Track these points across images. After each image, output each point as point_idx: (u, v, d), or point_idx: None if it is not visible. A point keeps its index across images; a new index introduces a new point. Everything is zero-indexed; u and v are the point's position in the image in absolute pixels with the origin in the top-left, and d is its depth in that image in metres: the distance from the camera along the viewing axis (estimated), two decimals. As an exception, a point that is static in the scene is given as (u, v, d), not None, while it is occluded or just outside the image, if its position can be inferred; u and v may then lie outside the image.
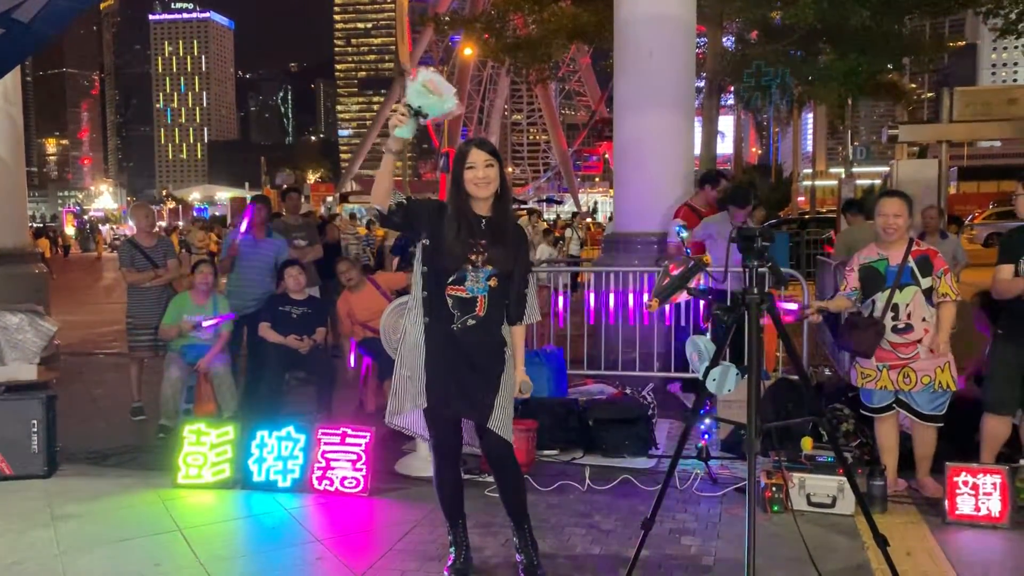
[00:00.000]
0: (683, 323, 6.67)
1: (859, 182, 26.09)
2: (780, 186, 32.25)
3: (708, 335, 5.43)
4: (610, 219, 14.57)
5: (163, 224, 49.55)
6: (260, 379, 6.82)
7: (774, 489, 4.37)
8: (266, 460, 4.90)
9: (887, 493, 4.37)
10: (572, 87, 76.39)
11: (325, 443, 4.83)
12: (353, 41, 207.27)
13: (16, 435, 5.10)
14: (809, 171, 35.52)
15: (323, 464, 4.81)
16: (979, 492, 4.12)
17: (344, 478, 4.77)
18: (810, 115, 40.78)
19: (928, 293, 4.46)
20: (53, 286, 10.16)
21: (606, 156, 72.38)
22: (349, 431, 4.82)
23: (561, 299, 7.16)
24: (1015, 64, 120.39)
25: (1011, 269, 4.46)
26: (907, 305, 4.47)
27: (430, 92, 3.17)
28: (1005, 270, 4.48)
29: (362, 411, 6.66)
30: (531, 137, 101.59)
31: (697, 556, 3.86)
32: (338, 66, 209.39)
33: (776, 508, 4.35)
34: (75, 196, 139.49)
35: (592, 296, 7.29)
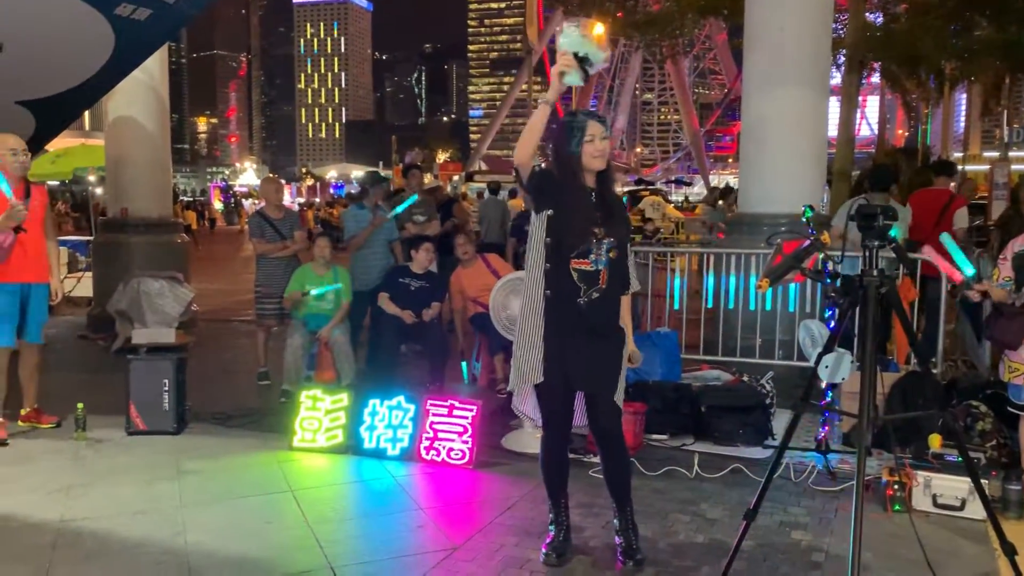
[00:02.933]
0: (808, 309, 6.37)
1: (1015, 167, 24.19)
2: (926, 170, 30.27)
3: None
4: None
5: (301, 200, 51.70)
6: (379, 348, 7.00)
7: (896, 487, 4.11)
8: (377, 428, 5.01)
9: (1025, 498, 4.03)
10: (707, 65, 74.43)
11: (433, 414, 4.89)
12: (486, 21, 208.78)
13: (150, 393, 5.41)
14: (960, 155, 33.30)
15: (431, 435, 4.87)
16: None
17: (451, 449, 4.82)
18: (964, 95, 38.13)
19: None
20: (197, 256, 10.76)
21: (739, 135, 70.46)
22: (457, 403, 4.86)
23: (679, 280, 6.97)
24: None
25: None
26: (1063, 294, 4.09)
27: (591, 40, 3.09)
28: None
29: (474, 385, 6.72)
30: (662, 117, 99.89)
31: (807, 551, 3.68)
32: (471, 47, 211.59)
33: (897, 507, 4.09)
34: (222, 172, 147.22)
35: (712, 279, 7.08)
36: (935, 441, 4.31)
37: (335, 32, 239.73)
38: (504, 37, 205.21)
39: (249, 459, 4.96)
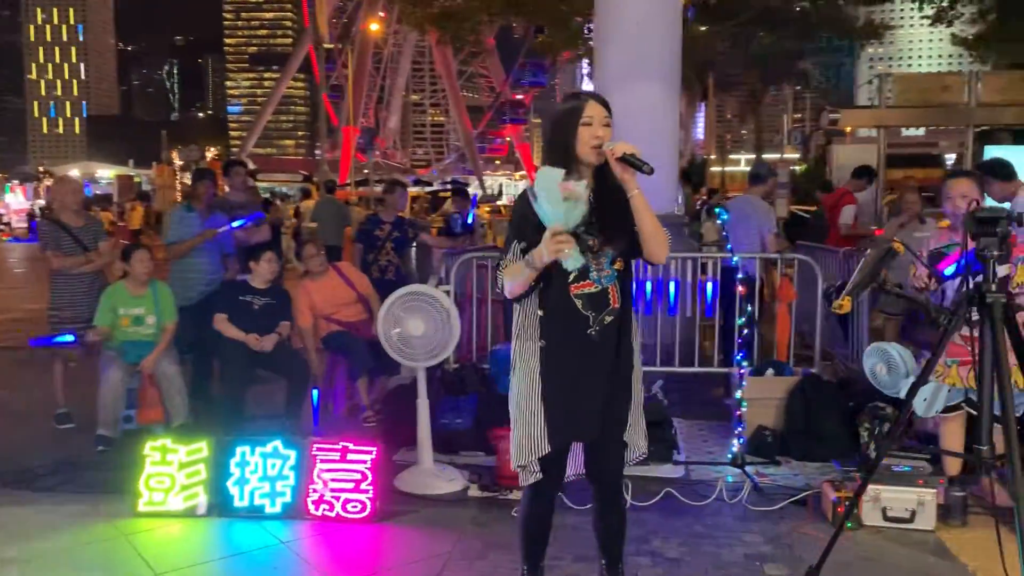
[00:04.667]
0: (689, 313, 6.15)
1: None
2: (693, 169, 32.28)
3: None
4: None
5: (41, 202, 46.01)
6: (206, 378, 5.99)
7: (847, 503, 3.89)
8: (249, 481, 4.12)
9: (968, 504, 3.96)
10: (475, 68, 75.37)
11: (322, 460, 4.09)
12: (243, 15, 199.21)
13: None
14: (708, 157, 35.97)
15: (320, 486, 4.07)
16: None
17: (347, 502, 4.04)
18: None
19: (1008, 281, 4.06)
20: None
21: (510, 139, 72.01)
22: (351, 446, 4.10)
23: None
24: (890, 58, 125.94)
25: None
26: (981, 296, 4.05)
27: (572, 196, 2.55)
28: None
29: (329, 415, 5.90)
30: (432, 118, 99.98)
31: (794, 590, 3.34)
32: (227, 40, 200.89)
33: (850, 524, 3.88)
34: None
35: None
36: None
37: (71, 19, 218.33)
38: (263, 32, 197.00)
39: (84, 534, 3.89)
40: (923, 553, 3.65)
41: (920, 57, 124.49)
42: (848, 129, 18.50)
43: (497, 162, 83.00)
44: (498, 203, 42.51)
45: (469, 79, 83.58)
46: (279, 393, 5.66)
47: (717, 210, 3.88)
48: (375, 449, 4.08)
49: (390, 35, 70.45)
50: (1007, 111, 13.13)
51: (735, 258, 5.34)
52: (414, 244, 7.07)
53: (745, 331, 4.91)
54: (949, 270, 4.07)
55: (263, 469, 4.13)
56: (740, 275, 4.93)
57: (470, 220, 7.22)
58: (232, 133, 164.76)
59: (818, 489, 4.23)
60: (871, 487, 3.92)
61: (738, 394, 4.87)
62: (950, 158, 29.24)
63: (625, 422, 2.83)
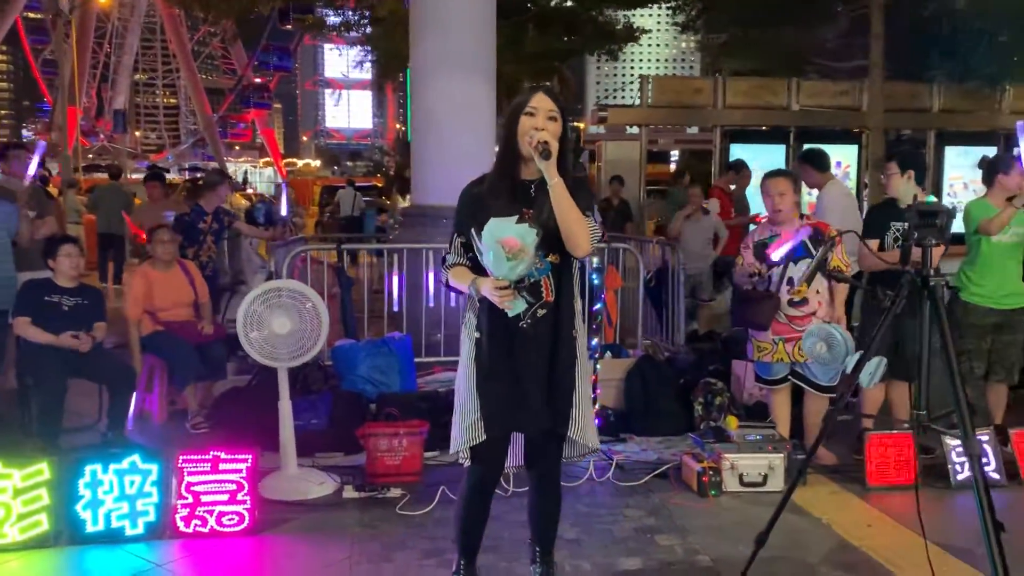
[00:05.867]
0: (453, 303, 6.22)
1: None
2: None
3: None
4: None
5: None
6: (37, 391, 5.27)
7: (711, 473, 4.23)
8: (104, 503, 3.69)
9: (807, 465, 4.43)
10: (214, 48, 71.21)
11: (190, 473, 3.75)
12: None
13: None
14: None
15: (190, 500, 3.74)
16: (892, 457, 4.35)
17: (222, 515, 3.75)
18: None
19: (823, 265, 4.58)
20: None
21: (254, 123, 68.96)
22: (223, 455, 3.79)
23: (396, 279, 6.38)
24: (614, 71, 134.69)
25: (877, 244, 4.75)
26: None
27: (518, 255, 2.60)
28: (872, 245, 4.75)
29: (149, 423, 5.40)
30: (165, 100, 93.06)
31: (691, 557, 3.57)
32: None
33: (714, 492, 4.22)
34: None
35: (396, 277, 6.60)
36: (732, 423, 4.53)
37: None
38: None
39: (-96, 584, 3.30)
40: (784, 513, 4.05)
41: (659, 61, 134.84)
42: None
43: (237, 147, 79.26)
44: (248, 191, 40.61)
45: (208, 59, 78.91)
46: (84, 400, 5.10)
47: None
48: (250, 457, 3.81)
49: (114, 8, 64.63)
50: (750, 113, 14.71)
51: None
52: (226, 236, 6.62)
53: (599, 318, 5.15)
54: (777, 255, 4.54)
55: (119, 488, 3.71)
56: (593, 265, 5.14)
57: (284, 211, 6.87)
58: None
59: (677, 462, 4.55)
60: (729, 456, 4.30)
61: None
62: (674, 155, 32.26)
63: (566, 415, 2.84)
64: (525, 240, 2.62)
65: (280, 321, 4.17)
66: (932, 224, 2.48)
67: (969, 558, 3.44)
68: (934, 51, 13.98)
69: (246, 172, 62.30)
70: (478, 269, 2.81)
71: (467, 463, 2.91)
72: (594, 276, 5.09)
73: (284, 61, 62.36)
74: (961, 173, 15.04)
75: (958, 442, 4.27)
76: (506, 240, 2.61)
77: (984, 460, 4.30)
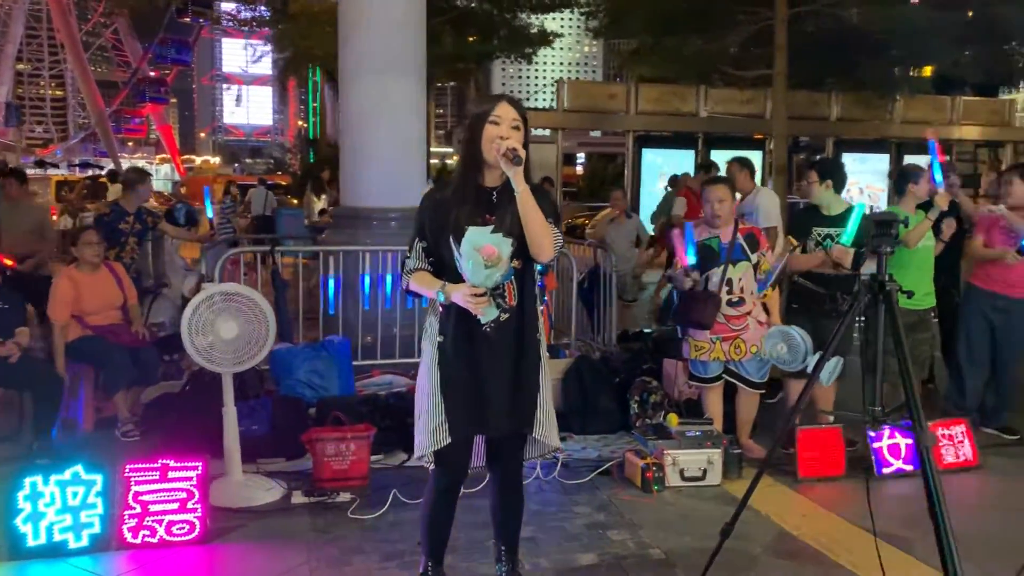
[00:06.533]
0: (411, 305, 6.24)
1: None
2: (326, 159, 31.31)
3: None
4: None
5: None
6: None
7: (654, 468, 4.38)
8: (46, 515, 3.56)
9: (742, 460, 4.63)
10: (107, 39, 68.20)
11: (138, 482, 3.66)
12: None
13: None
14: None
15: (138, 510, 3.64)
16: (822, 450, 4.59)
17: (172, 524, 3.67)
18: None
19: (755, 268, 4.80)
20: None
21: (150, 118, 66.37)
22: (172, 463, 3.71)
23: (332, 282, 6.29)
24: (520, 76, 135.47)
25: (800, 247, 5.00)
26: (740, 279, 4.75)
27: (496, 264, 2.68)
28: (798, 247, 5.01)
29: (74, 432, 5.21)
30: (53, 92, 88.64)
31: (644, 551, 3.70)
32: None
33: (657, 487, 4.37)
34: None
35: (332, 279, 6.54)
36: (673, 420, 4.69)
37: None
38: None
39: None
40: (721, 504, 4.22)
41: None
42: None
43: (131, 143, 76.17)
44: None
45: (100, 51, 75.58)
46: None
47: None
48: (200, 464, 3.74)
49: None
50: (660, 119, 15.18)
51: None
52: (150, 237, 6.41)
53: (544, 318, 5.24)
54: (690, 253, 4.75)
55: (62, 500, 3.59)
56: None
57: (210, 214, 6.69)
58: None
59: (619, 459, 4.69)
60: (671, 452, 4.46)
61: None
62: (580, 158, 32.81)
63: (531, 416, 2.91)
64: (502, 249, 2.69)
65: (228, 325, 4.10)
66: (887, 233, 2.68)
67: (901, 543, 3.67)
68: (831, 63, 14.69)
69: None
70: (440, 274, 2.86)
71: (431, 467, 2.95)
72: (538, 279, 5.17)
73: (182, 54, 60.23)
74: (857, 178, 15.88)
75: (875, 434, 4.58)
76: (485, 248, 2.67)
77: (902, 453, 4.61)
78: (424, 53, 7.35)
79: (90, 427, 5.29)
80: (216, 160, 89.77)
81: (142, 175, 6.53)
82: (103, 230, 5.79)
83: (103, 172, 27.53)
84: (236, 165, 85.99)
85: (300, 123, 79.82)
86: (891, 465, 4.59)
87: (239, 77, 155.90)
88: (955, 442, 4.73)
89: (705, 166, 9.45)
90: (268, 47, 19.09)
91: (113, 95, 64.07)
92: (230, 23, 18.88)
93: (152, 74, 61.15)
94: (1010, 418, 5.40)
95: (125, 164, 61.65)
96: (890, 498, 4.31)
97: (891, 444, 4.63)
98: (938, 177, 4.66)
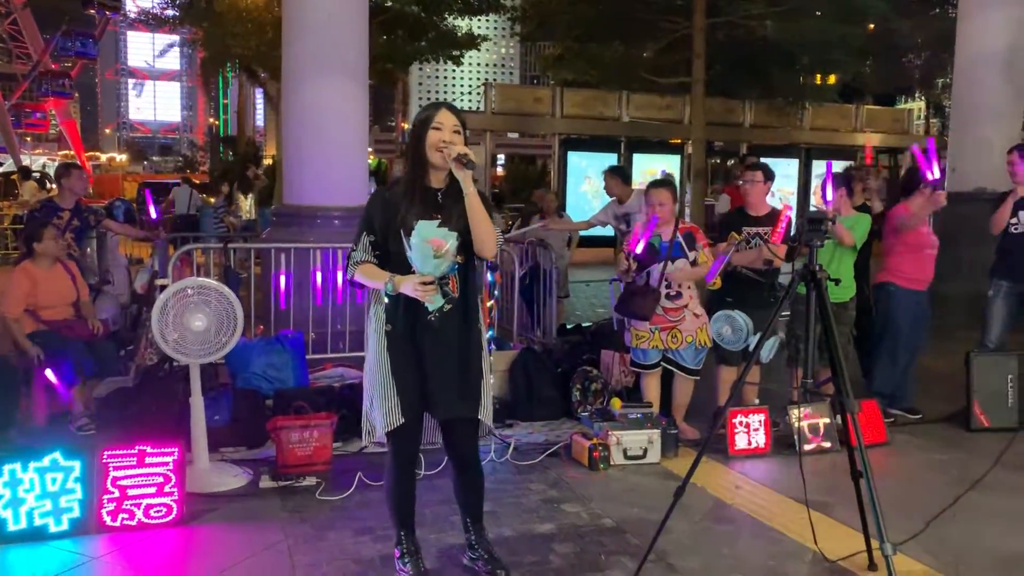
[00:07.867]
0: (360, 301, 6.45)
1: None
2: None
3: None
4: None
5: None
6: None
7: (601, 448, 4.73)
8: (25, 501, 3.67)
9: (678, 440, 5.02)
10: (6, 31, 65.14)
11: (116, 468, 3.81)
12: None
13: None
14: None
15: (116, 494, 3.79)
16: (750, 429, 5.02)
17: (149, 507, 3.83)
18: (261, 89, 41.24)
19: (693, 264, 5.21)
20: None
21: (53, 113, 63.85)
22: (148, 448, 3.87)
23: (284, 278, 6.42)
24: (438, 77, 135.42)
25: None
26: (678, 275, 5.16)
27: (442, 253, 3.01)
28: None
29: (29, 426, 5.24)
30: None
31: (597, 521, 4.03)
32: None
33: (604, 465, 4.71)
34: None
35: (283, 276, 6.67)
36: (616, 403, 5.03)
37: None
38: None
39: None
40: (663, 480, 4.60)
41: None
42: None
43: (29, 139, 72.99)
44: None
45: (-4, 42, 72.14)
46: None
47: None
48: (176, 449, 3.90)
49: None
50: (584, 123, 15.64)
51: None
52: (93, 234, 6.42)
53: (491, 312, 5.53)
54: (638, 248, 5.13)
55: (41, 485, 3.71)
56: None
57: (153, 213, 6.72)
58: None
59: (565, 441, 5.02)
60: (615, 433, 4.81)
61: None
62: (500, 159, 33.23)
63: (477, 400, 3.21)
64: (448, 241, 3.00)
65: (197, 318, 4.26)
66: (818, 229, 3.08)
67: (823, 508, 4.10)
68: (746, 71, 15.42)
69: (44, 165, 57.62)
70: (384, 266, 3.13)
71: (388, 444, 3.22)
72: (489, 274, 5.47)
73: (87, 47, 58.40)
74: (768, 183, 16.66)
75: (801, 413, 5.02)
76: (433, 240, 2.98)
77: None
78: (367, 55, 7.54)
79: (42, 423, 5.33)
80: (123, 157, 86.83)
81: (67, 169, 6.52)
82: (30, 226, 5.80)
83: (15, 170, 26.51)
84: (145, 163, 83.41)
85: (211, 120, 77.85)
86: (811, 444, 5.05)
87: (145, 72, 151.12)
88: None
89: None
90: (175, 39, 18.79)
91: (12, 89, 61.29)
92: (145, 20, 18.48)
93: (54, 67, 58.95)
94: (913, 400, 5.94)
95: (25, 160, 59.25)
96: (810, 471, 4.74)
97: (811, 423, 5.09)
98: (932, 175, 5.17)
